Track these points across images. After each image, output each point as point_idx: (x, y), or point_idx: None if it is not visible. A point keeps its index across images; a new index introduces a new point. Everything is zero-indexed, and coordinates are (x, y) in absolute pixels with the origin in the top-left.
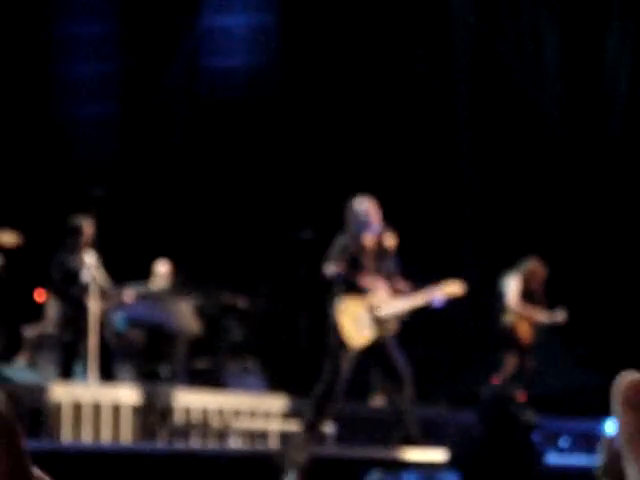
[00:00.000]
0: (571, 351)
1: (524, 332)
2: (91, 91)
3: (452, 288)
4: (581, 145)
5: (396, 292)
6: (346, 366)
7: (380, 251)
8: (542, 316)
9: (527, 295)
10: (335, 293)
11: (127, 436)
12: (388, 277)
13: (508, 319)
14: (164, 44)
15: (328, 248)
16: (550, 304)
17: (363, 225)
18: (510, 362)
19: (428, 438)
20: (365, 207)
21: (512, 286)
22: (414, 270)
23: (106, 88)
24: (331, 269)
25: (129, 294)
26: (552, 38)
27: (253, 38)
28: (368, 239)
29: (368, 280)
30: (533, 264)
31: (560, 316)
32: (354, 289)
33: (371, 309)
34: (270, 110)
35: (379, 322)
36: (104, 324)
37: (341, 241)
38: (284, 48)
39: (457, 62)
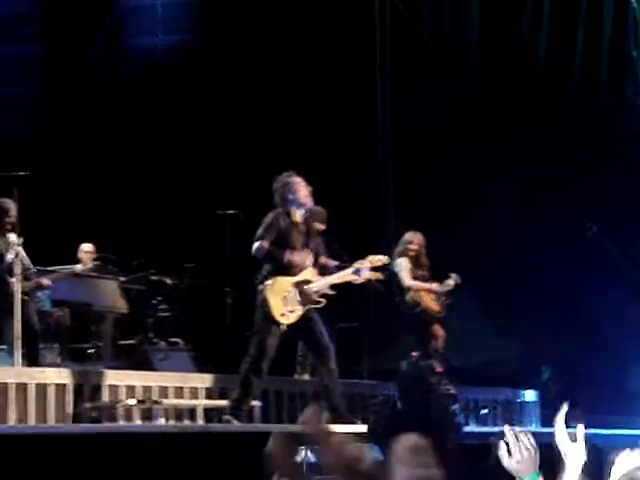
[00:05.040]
0: (490, 321)
1: (429, 303)
2: (12, 72)
3: (376, 258)
4: None
5: (323, 268)
6: (273, 342)
7: (309, 228)
8: (436, 286)
9: (418, 267)
10: (263, 269)
11: (53, 417)
12: (316, 254)
13: (409, 297)
14: (85, 25)
15: (255, 226)
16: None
17: (291, 201)
18: (428, 337)
19: (353, 412)
20: (293, 183)
21: (401, 265)
22: (341, 247)
23: (27, 69)
24: (259, 247)
25: (48, 277)
26: None
27: (173, 16)
28: (297, 215)
29: (296, 256)
30: (410, 237)
31: (453, 281)
32: (282, 265)
33: (299, 285)
34: (192, 88)
35: (306, 298)
36: (27, 304)
37: (268, 219)
38: (205, 24)
39: None
